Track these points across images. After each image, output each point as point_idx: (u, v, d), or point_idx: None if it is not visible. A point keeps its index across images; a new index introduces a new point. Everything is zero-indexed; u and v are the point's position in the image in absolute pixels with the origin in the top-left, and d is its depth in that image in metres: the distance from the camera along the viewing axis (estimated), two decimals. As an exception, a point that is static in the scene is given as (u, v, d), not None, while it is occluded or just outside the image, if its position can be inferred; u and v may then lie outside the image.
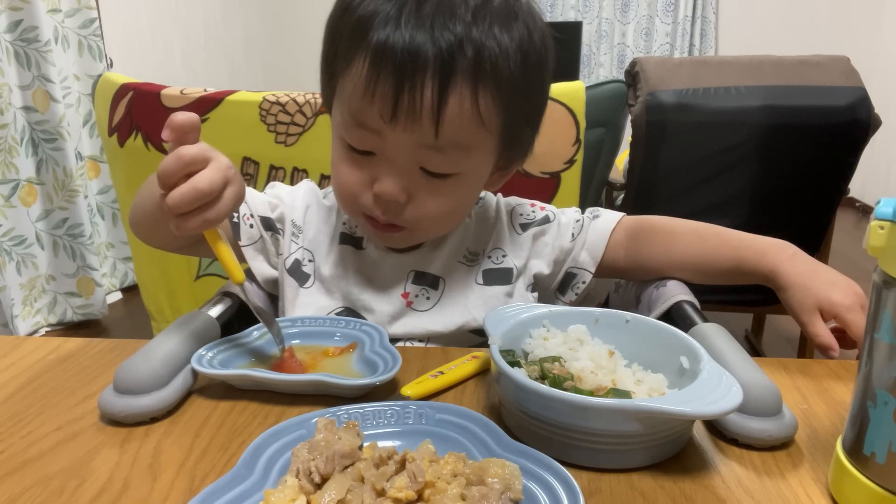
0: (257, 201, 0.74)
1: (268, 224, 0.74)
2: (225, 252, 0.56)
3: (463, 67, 0.57)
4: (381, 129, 0.60)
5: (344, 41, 0.60)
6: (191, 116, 0.53)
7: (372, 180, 0.63)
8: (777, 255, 0.66)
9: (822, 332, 0.62)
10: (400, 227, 0.66)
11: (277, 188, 0.77)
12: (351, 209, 0.68)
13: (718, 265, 0.70)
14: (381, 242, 0.72)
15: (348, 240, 0.74)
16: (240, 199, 0.56)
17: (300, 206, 0.75)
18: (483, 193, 0.79)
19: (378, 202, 0.63)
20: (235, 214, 0.72)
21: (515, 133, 0.66)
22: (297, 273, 0.73)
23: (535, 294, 0.76)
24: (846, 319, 0.61)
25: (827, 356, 0.61)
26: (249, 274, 0.73)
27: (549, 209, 0.78)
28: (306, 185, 0.78)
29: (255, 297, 0.60)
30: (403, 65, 0.56)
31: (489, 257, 0.74)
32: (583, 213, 0.79)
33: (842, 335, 0.62)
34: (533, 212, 0.77)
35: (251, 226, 0.73)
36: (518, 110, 0.63)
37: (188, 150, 0.52)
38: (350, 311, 0.71)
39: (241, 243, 0.71)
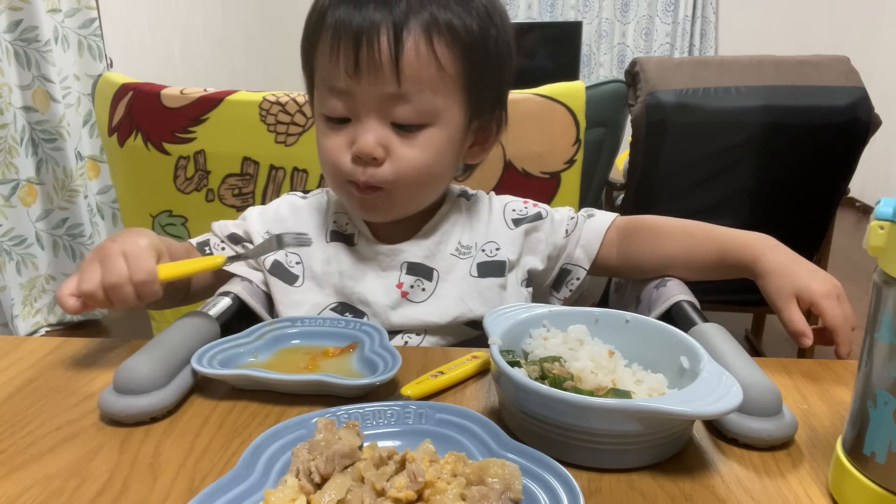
0: (223, 226, 0.78)
1: (234, 238, 0.77)
2: (188, 267, 0.62)
3: (417, 21, 0.63)
4: (350, 88, 0.64)
5: (312, 32, 0.67)
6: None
7: (350, 143, 0.66)
8: (759, 246, 0.68)
9: (797, 317, 0.63)
10: (379, 188, 0.67)
11: (248, 211, 0.80)
12: (335, 178, 0.70)
13: (703, 258, 0.72)
14: (364, 215, 0.74)
15: (339, 237, 0.76)
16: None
17: (271, 218, 0.78)
18: (475, 191, 0.80)
19: (358, 163, 0.66)
20: (207, 247, 0.76)
21: (479, 88, 0.68)
22: (282, 273, 0.74)
23: (530, 289, 0.77)
24: (822, 306, 0.61)
25: (799, 344, 0.62)
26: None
27: (542, 206, 0.79)
28: (282, 199, 0.81)
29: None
30: (360, 27, 0.63)
31: (483, 250, 0.75)
32: (577, 212, 0.80)
33: (821, 331, 0.62)
34: (525, 208, 0.79)
35: (223, 248, 0.77)
36: (477, 61, 0.67)
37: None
38: (345, 306, 0.72)
39: (225, 267, 0.72)
